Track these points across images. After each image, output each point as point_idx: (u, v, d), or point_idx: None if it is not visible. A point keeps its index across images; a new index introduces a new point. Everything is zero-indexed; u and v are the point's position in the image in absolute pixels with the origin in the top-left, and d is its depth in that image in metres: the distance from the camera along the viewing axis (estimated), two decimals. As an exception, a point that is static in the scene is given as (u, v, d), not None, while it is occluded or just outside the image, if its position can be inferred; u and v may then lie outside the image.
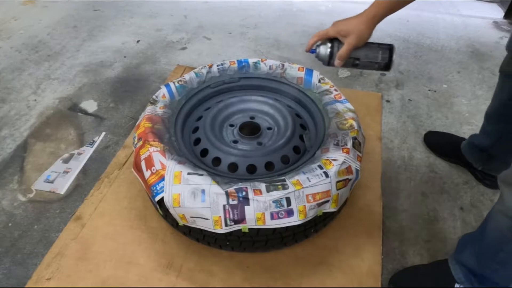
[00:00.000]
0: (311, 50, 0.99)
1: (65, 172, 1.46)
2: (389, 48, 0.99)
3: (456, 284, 1.05)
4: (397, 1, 0.91)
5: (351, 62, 0.98)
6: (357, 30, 0.93)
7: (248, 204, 0.94)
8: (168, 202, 0.98)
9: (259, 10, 2.66)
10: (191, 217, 0.98)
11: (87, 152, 1.54)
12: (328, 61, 0.98)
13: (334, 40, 0.96)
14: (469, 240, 1.05)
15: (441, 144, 1.55)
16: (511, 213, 0.87)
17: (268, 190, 0.96)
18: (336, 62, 0.97)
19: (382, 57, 0.98)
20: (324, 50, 0.97)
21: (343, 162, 1.03)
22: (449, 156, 1.52)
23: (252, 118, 1.29)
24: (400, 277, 1.13)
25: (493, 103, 1.28)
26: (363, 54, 0.98)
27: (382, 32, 2.37)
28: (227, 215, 0.95)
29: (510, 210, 0.87)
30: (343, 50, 0.95)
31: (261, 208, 0.94)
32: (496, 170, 1.40)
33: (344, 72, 2.03)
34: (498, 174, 1.41)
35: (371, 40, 1.00)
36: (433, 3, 2.73)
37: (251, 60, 1.42)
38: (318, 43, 0.98)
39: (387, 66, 0.99)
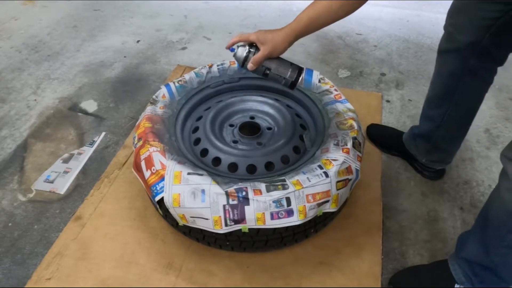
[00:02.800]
0: (231, 49, 1.04)
1: (65, 172, 1.45)
2: (299, 69, 1.04)
3: (456, 284, 1.05)
4: (315, 19, 0.93)
5: (262, 70, 1.04)
6: (273, 41, 0.98)
7: (248, 204, 0.94)
8: (168, 202, 0.98)
9: (259, 10, 2.66)
10: (191, 217, 0.98)
11: (87, 152, 1.54)
12: (243, 63, 1.03)
13: (252, 45, 1.01)
14: (470, 233, 1.04)
15: (382, 136, 1.57)
16: None
17: (268, 190, 0.96)
18: (249, 65, 1.02)
19: (290, 75, 1.04)
20: (241, 52, 1.02)
21: (343, 162, 1.04)
22: (390, 148, 1.54)
23: (252, 118, 1.29)
24: (400, 277, 1.13)
25: (433, 86, 1.29)
26: (274, 66, 1.03)
27: (382, 32, 2.36)
28: (227, 215, 0.95)
29: None
30: (257, 56, 1.00)
31: (261, 208, 0.94)
32: (439, 162, 1.42)
33: (344, 72, 2.03)
34: (440, 166, 1.44)
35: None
36: (433, 3, 2.73)
37: (251, 60, 1.42)
38: (239, 44, 1.02)
39: (292, 84, 1.05)
